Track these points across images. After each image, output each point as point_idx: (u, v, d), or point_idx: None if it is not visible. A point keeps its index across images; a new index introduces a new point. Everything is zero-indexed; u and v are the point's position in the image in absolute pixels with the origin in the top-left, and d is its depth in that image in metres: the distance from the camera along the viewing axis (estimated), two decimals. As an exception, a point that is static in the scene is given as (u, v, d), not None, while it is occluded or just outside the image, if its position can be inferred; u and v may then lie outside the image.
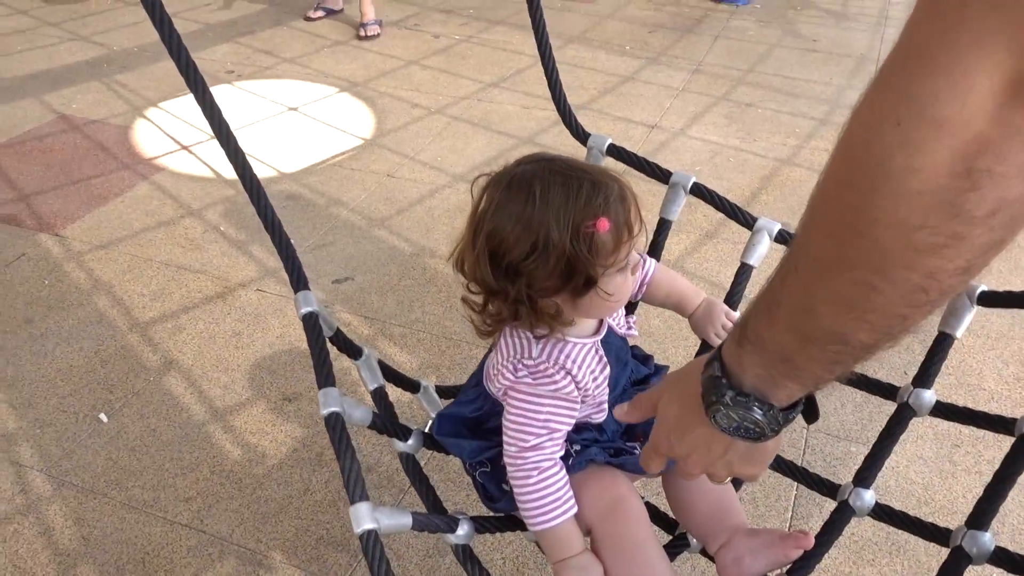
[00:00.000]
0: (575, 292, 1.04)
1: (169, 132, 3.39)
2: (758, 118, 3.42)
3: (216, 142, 1.26)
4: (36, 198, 2.91)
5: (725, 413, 0.74)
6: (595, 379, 1.14)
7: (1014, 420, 1.12)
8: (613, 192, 1.02)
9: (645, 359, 1.33)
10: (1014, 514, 1.68)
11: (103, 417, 1.96)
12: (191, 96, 1.22)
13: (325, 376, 1.11)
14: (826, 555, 1.59)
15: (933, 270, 0.54)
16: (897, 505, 1.21)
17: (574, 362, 1.11)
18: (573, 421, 1.12)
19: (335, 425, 1.06)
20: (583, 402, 1.14)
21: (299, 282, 1.23)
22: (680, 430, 0.83)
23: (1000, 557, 1.04)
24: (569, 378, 1.10)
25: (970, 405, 1.22)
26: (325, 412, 1.07)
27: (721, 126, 3.35)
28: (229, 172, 2.92)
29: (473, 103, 3.60)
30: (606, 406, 1.19)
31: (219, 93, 3.76)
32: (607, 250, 1.01)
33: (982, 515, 1.07)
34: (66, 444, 1.89)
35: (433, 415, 1.30)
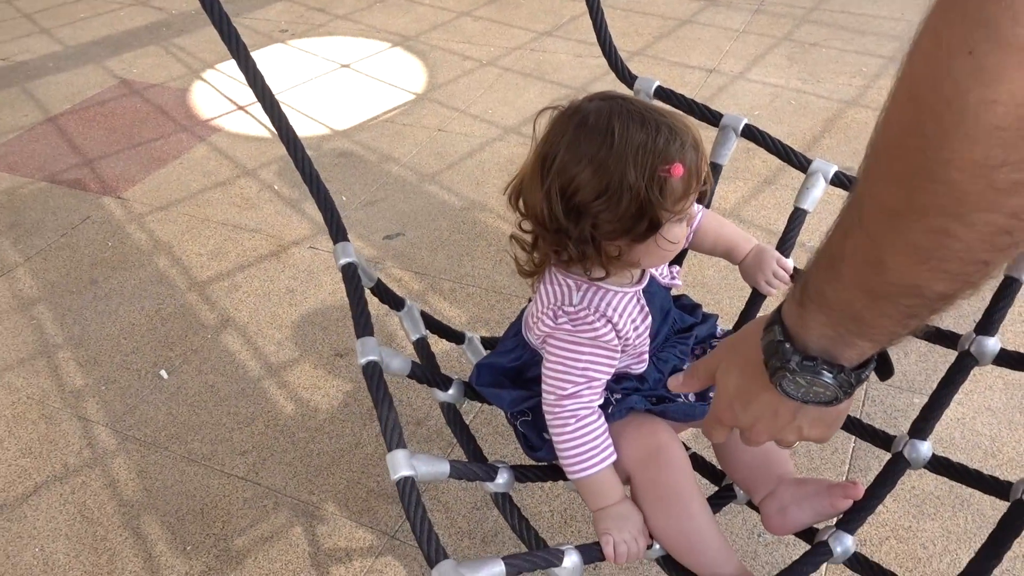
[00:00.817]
0: (636, 237, 1.01)
1: (225, 93, 3.42)
2: (822, 58, 3.27)
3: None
4: (100, 162, 2.99)
5: (792, 379, 0.70)
6: (636, 328, 1.11)
7: (1085, 368, 1.06)
8: (689, 138, 0.99)
9: (692, 308, 1.29)
10: (1090, 467, 1.60)
11: (163, 374, 2.01)
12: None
13: (363, 326, 1.11)
14: (885, 509, 1.56)
15: (1018, 209, 0.49)
16: (963, 458, 1.16)
17: (615, 310, 1.08)
18: (612, 370, 1.10)
19: (372, 374, 1.06)
20: (623, 351, 1.11)
21: (338, 233, 1.22)
22: (743, 399, 0.79)
23: (1065, 510, 0.98)
24: (610, 326, 1.07)
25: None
26: (363, 361, 1.07)
27: (783, 68, 3.22)
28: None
29: (525, 53, 3.54)
30: (647, 356, 1.16)
31: (273, 53, 3.80)
32: (676, 196, 0.99)
33: (1047, 467, 1.01)
34: (129, 400, 1.95)
35: (477, 366, 1.29)
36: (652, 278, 1.16)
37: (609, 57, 1.44)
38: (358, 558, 1.55)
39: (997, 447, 1.66)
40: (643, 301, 1.13)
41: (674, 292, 1.28)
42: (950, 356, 1.22)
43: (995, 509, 1.49)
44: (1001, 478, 1.09)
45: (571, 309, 1.07)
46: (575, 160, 0.98)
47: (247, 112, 3.25)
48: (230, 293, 2.27)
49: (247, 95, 3.36)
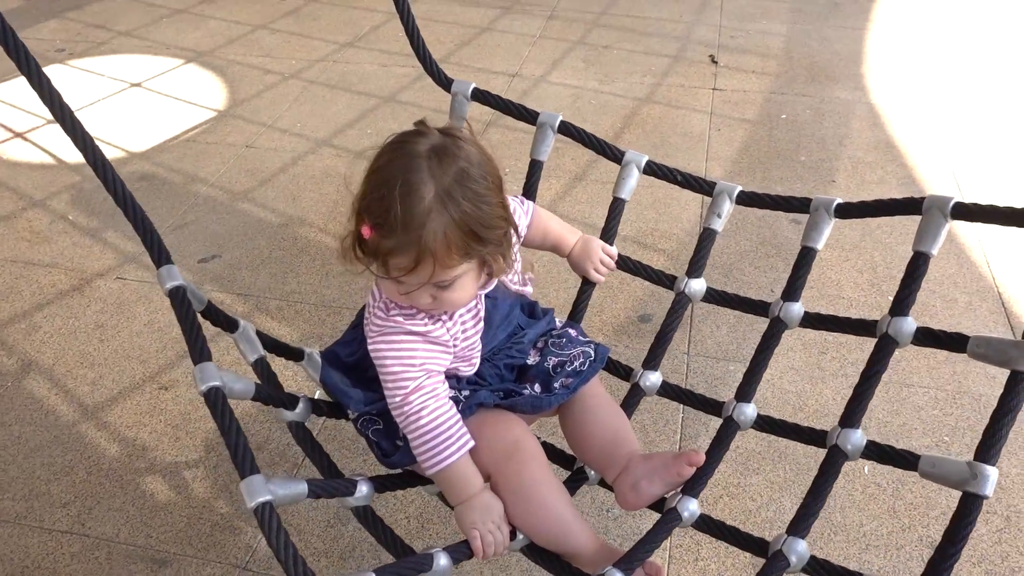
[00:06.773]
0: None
1: (-2, 120, 3.12)
2: (615, 59, 3.46)
3: (57, 126, 1.17)
4: None
5: None
6: (465, 332, 1.15)
7: (875, 322, 1.19)
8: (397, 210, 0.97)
9: (531, 308, 1.32)
10: (879, 409, 1.80)
11: (-41, 430, 1.81)
12: (22, 79, 1.13)
13: (199, 351, 1.06)
14: (717, 470, 1.67)
15: None
16: (775, 414, 1.27)
17: (446, 312, 1.12)
18: (448, 359, 1.13)
19: (215, 400, 1.01)
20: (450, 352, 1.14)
21: (161, 256, 1.16)
22: None
23: (871, 451, 1.11)
24: (440, 323, 1.11)
25: (832, 313, 1.29)
26: (203, 388, 1.02)
27: (580, 70, 3.38)
28: (73, 156, 2.72)
29: (329, 65, 3.48)
30: (476, 361, 1.19)
31: (51, 74, 3.48)
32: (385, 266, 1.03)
33: (852, 414, 1.13)
34: (-81, 464, 1.74)
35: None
36: (501, 285, 1.19)
37: (424, 61, 1.46)
38: (208, 597, 1.47)
39: (803, 401, 1.83)
40: (480, 307, 1.16)
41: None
42: (756, 324, 1.34)
43: (808, 457, 1.65)
44: (816, 428, 1.21)
45: (405, 303, 1.09)
46: None
47: (26, 139, 2.98)
48: (28, 335, 2.08)
49: (26, 120, 3.09)
